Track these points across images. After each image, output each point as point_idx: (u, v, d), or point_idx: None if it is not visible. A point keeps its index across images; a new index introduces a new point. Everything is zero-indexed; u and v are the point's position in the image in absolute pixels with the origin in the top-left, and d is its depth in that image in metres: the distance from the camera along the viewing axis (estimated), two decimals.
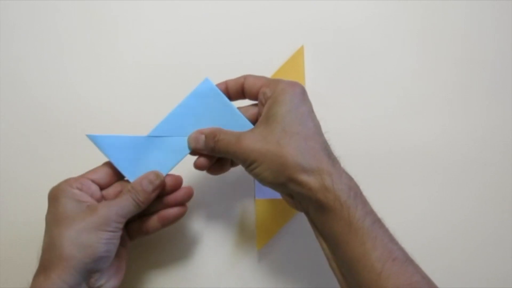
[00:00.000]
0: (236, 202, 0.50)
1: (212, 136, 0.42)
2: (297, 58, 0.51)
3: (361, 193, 0.38)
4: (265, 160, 0.39)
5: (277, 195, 0.43)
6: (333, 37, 0.53)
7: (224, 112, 0.45)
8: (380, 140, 0.51)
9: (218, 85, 0.44)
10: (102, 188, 0.44)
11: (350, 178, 0.39)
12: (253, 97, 0.43)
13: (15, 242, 0.49)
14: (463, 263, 0.50)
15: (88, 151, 0.50)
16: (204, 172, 0.45)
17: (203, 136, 0.43)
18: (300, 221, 0.49)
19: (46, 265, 0.39)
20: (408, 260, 0.36)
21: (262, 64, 0.51)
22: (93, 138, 0.44)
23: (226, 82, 0.44)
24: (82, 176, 0.43)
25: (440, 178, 0.51)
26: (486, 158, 0.52)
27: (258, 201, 0.49)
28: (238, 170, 0.49)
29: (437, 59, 0.53)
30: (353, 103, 0.52)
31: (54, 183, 0.49)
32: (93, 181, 0.43)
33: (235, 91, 0.44)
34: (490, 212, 0.51)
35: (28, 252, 0.49)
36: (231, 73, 0.51)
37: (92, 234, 0.39)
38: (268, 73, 0.51)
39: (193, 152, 0.44)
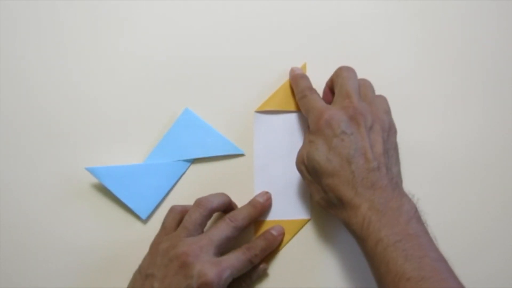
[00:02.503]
0: None
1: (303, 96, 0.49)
2: None
3: (380, 218, 0.39)
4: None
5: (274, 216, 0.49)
6: (332, 37, 0.53)
7: (208, 137, 0.50)
8: None
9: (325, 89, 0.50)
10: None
11: (372, 204, 0.40)
12: None
13: (15, 242, 0.49)
14: (463, 263, 0.50)
15: (88, 151, 0.51)
16: (204, 180, 0.48)
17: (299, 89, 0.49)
18: (304, 237, 0.50)
19: None
20: (424, 278, 0.36)
21: (265, 76, 0.52)
22: (91, 171, 0.48)
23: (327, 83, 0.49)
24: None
25: (440, 178, 0.51)
26: (486, 158, 0.52)
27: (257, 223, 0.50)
28: (238, 179, 0.50)
29: (437, 59, 0.53)
30: None
31: (54, 182, 0.50)
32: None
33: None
34: (490, 212, 0.51)
35: (28, 252, 0.49)
36: (232, 78, 0.52)
37: None
38: (270, 89, 0.52)
39: None
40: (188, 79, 0.52)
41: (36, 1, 0.53)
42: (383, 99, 0.47)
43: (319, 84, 0.51)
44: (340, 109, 0.43)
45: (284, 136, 0.51)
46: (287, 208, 0.50)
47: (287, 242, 0.49)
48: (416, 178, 0.51)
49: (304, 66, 0.52)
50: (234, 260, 0.43)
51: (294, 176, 0.50)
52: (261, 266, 0.47)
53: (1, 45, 0.52)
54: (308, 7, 0.53)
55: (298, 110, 0.50)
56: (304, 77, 0.50)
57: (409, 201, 0.41)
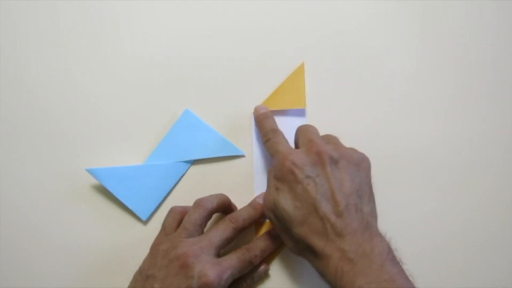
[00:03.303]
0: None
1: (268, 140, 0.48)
2: (298, 75, 0.51)
3: (353, 266, 0.37)
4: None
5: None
6: (332, 38, 0.53)
7: (209, 138, 0.50)
8: (380, 143, 0.51)
9: None
10: None
11: (343, 253, 0.38)
12: None
13: (15, 243, 0.49)
14: (464, 264, 0.50)
15: (88, 152, 0.51)
16: (204, 181, 0.48)
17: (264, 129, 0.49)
18: None
19: None
20: None
21: (264, 77, 0.52)
22: (92, 172, 0.48)
23: None
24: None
25: (441, 180, 0.51)
26: (487, 160, 0.52)
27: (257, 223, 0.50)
28: (238, 180, 0.50)
29: (437, 60, 0.53)
30: (353, 105, 0.52)
31: (54, 183, 0.50)
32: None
33: None
34: (491, 214, 0.51)
35: (28, 253, 0.49)
36: (232, 78, 0.52)
37: None
38: (269, 89, 0.51)
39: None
40: (188, 80, 0.52)
41: (36, 1, 0.53)
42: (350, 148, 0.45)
43: (318, 84, 0.51)
44: (303, 152, 0.42)
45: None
46: None
47: None
48: (416, 180, 0.51)
49: (302, 66, 0.52)
50: (235, 260, 0.43)
51: None
52: (262, 267, 0.47)
53: (1, 45, 0.52)
54: (307, 7, 0.53)
55: (298, 109, 0.51)
56: (268, 117, 0.49)
57: (381, 242, 0.39)
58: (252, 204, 0.48)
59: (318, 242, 0.39)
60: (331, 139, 0.45)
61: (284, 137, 0.47)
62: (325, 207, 0.39)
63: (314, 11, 0.53)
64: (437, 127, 0.52)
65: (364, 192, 0.41)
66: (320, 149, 0.42)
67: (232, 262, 0.43)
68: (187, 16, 0.53)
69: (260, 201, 0.48)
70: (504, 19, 0.54)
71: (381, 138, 0.52)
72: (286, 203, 0.41)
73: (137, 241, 0.49)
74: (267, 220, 0.49)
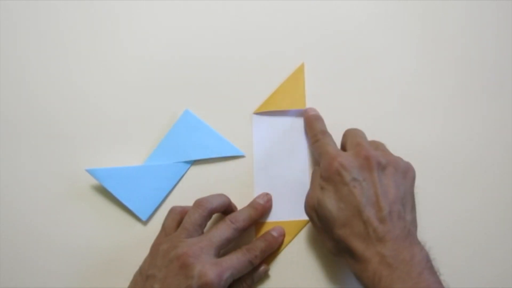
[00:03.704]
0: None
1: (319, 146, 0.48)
2: (298, 75, 0.51)
3: (391, 271, 0.38)
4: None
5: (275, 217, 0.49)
6: (332, 38, 0.53)
7: (208, 138, 0.50)
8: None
9: None
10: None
11: (383, 258, 0.38)
12: None
13: (15, 243, 0.49)
14: (464, 264, 0.50)
15: (89, 153, 0.51)
16: (204, 182, 0.48)
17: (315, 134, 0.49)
18: (305, 238, 0.50)
19: None
20: None
21: (264, 78, 0.52)
22: (92, 172, 0.48)
23: None
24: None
25: (441, 180, 0.51)
26: (487, 160, 0.52)
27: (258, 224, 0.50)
28: (238, 180, 0.50)
29: (437, 60, 0.53)
30: (353, 105, 0.52)
31: (55, 184, 0.50)
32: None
33: None
34: (491, 213, 0.51)
35: (28, 253, 0.49)
36: (232, 79, 0.52)
37: None
38: (269, 89, 0.51)
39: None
40: (188, 80, 0.52)
41: (36, 1, 0.53)
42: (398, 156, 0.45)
43: (318, 84, 0.51)
44: (351, 155, 0.43)
45: (283, 137, 0.51)
46: (288, 209, 0.50)
47: (288, 243, 0.49)
48: (416, 180, 0.51)
49: (302, 66, 0.52)
50: (235, 260, 0.43)
51: (294, 177, 0.50)
52: (262, 267, 0.48)
53: (1, 45, 0.52)
54: (307, 7, 0.53)
55: (298, 109, 0.51)
56: (318, 119, 0.50)
57: (421, 250, 0.39)
58: (252, 205, 0.48)
59: (359, 245, 0.40)
60: (378, 146, 0.46)
61: (333, 140, 0.47)
62: (369, 211, 0.40)
63: (314, 11, 0.53)
64: (437, 127, 0.52)
65: (408, 200, 0.42)
66: (369, 154, 0.42)
67: (232, 262, 0.43)
68: (187, 16, 0.53)
69: (261, 201, 0.48)
70: (504, 19, 0.54)
71: (381, 138, 0.51)
72: (331, 203, 0.41)
73: (137, 241, 0.49)
74: (267, 221, 0.50)
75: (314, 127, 0.49)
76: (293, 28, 0.53)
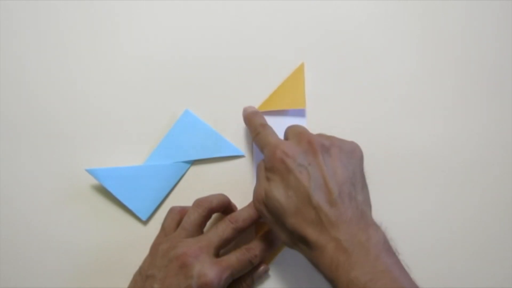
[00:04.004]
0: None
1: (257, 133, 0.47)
2: (298, 75, 0.51)
3: (348, 257, 0.37)
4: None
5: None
6: (332, 38, 0.53)
7: (208, 138, 0.50)
8: (380, 143, 0.51)
9: None
10: None
11: (338, 243, 0.37)
12: None
13: (15, 243, 0.49)
14: (464, 264, 0.50)
15: (88, 152, 0.51)
16: (204, 182, 0.48)
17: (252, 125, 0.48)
18: None
19: None
20: None
21: (264, 78, 0.52)
22: (92, 172, 0.48)
23: None
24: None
25: (441, 180, 0.51)
26: (487, 160, 0.52)
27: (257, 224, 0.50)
28: (238, 180, 0.50)
29: (437, 60, 0.53)
30: (353, 105, 0.52)
31: (54, 183, 0.50)
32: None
33: None
34: (491, 214, 0.51)
35: (28, 253, 0.49)
36: (232, 79, 0.52)
37: None
38: (269, 89, 0.51)
39: None
40: (188, 80, 0.52)
41: (36, 1, 0.53)
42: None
43: (318, 84, 0.51)
44: (294, 142, 0.42)
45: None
46: None
47: None
48: (415, 180, 0.51)
49: (302, 66, 0.52)
50: (234, 260, 0.43)
51: None
52: (262, 267, 0.48)
53: (1, 45, 0.52)
54: (307, 7, 0.53)
55: (298, 109, 0.51)
56: (256, 114, 0.49)
57: (377, 231, 0.38)
58: (252, 205, 0.48)
59: (312, 232, 0.38)
60: (322, 134, 0.44)
61: (273, 131, 0.46)
62: (318, 196, 0.39)
63: (314, 11, 0.53)
64: (437, 127, 0.52)
65: (358, 180, 0.41)
66: (311, 138, 0.41)
67: (231, 261, 0.43)
68: (187, 16, 0.53)
69: None
70: (504, 19, 0.54)
71: (381, 138, 0.52)
72: (279, 192, 0.40)
73: (137, 241, 0.49)
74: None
75: (253, 122, 0.47)
76: (293, 28, 0.53)
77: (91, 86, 0.52)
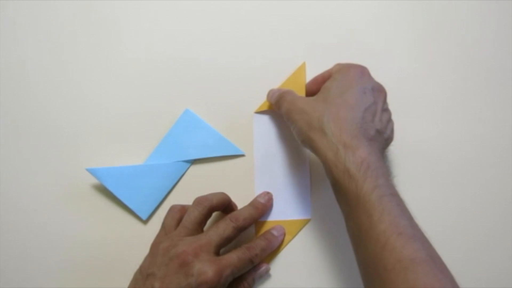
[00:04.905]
0: None
1: (281, 95, 0.48)
2: (299, 74, 0.51)
3: (377, 167, 0.39)
4: (300, 119, 0.43)
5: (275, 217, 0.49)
6: (333, 38, 0.53)
7: (209, 137, 0.50)
8: None
9: (308, 83, 0.50)
10: None
11: (371, 153, 0.40)
12: None
13: (15, 243, 0.49)
14: (462, 263, 0.50)
15: (89, 152, 0.51)
16: (204, 181, 0.48)
17: (276, 94, 0.49)
18: (305, 237, 0.50)
19: None
20: (415, 236, 0.36)
21: (264, 77, 0.52)
22: (92, 171, 0.48)
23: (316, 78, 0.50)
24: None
25: (440, 179, 0.51)
26: (486, 159, 0.52)
27: (258, 223, 0.50)
28: (238, 180, 0.50)
29: (437, 60, 0.53)
30: None
31: (55, 183, 0.50)
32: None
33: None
34: (490, 212, 0.51)
35: (28, 252, 0.49)
36: (232, 79, 0.52)
37: None
38: (270, 89, 0.51)
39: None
40: (188, 80, 0.52)
41: (36, 1, 0.53)
42: None
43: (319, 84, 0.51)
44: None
45: (283, 136, 0.51)
46: (288, 208, 0.50)
47: (288, 242, 0.49)
48: (415, 178, 0.51)
49: (303, 66, 0.52)
50: (235, 259, 0.43)
51: (294, 176, 0.50)
52: (264, 267, 0.47)
53: (1, 45, 0.52)
54: (308, 8, 0.53)
55: None
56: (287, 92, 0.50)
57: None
58: (253, 204, 0.48)
59: (351, 131, 0.41)
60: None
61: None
62: (367, 116, 0.43)
63: (315, 12, 0.53)
64: (437, 126, 0.52)
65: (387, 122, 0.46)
66: (375, 85, 0.46)
67: (232, 260, 0.43)
68: (188, 16, 0.53)
69: (262, 200, 0.48)
70: (504, 19, 0.54)
71: None
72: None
73: (137, 240, 0.49)
74: (268, 220, 0.50)
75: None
76: (294, 28, 0.53)
77: (92, 86, 0.52)
